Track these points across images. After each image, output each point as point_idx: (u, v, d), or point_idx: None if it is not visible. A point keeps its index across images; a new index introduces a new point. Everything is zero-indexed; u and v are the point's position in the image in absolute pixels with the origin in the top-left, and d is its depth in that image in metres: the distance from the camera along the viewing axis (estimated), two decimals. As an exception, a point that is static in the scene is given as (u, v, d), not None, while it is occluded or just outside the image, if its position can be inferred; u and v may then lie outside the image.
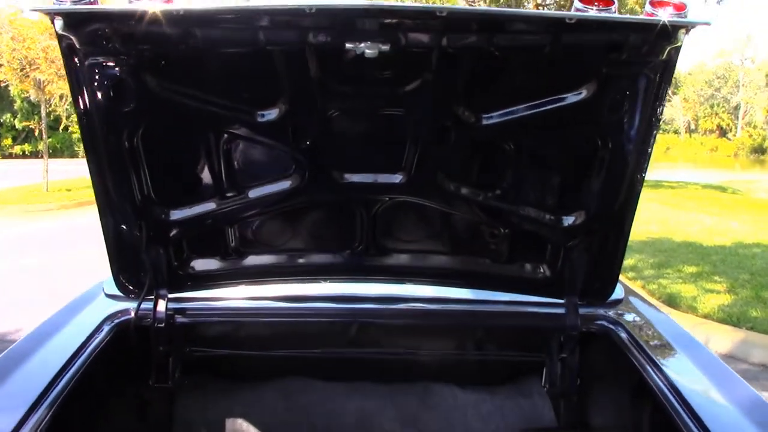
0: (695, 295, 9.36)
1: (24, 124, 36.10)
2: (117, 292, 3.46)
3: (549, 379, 3.60)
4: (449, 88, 2.79)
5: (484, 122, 2.93)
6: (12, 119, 42.25)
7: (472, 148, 3.12)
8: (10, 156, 43.48)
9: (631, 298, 3.81)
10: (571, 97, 2.82)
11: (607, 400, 3.58)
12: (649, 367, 2.99)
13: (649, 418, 3.04)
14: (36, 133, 35.38)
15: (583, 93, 2.80)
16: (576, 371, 3.49)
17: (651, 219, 15.62)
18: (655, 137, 2.91)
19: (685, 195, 24.00)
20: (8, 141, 44.57)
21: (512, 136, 3.03)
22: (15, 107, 40.69)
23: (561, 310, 3.44)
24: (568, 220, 3.24)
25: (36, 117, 32.85)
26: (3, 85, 24.34)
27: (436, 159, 3.09)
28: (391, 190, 3.21)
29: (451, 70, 2.71)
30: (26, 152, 42.98)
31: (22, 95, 33.32)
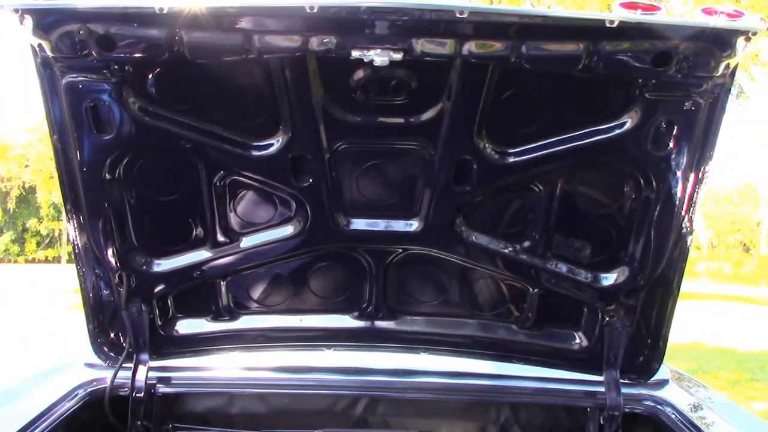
0: (736, 402, 8.72)
1: (48, 225, 36.37)
2: (98, 360, 3.08)
3: None
4: (470, 117, 2.46)
5: (510, 159, 2.58)
6: (38, 224, 42.67)
7: (496, 190, 2.75)
8: (33, 261, 43.63)
9: (679, 379, 3.33)
10: (611, 129, 2.48)
11: None
12: None
13: None
14: (56, 234, 35.57)
15: (625, 123, 2.45)
16: None
17: (680, 325, 14.94)
18: (706, 179, 2.55)
19: (713, 306, 23.26)
20: (32, 246, 44.84)
21: (542, 175, 2.66)
22: (41, 213, 41.15)
23: (600, 388, 2.98)
24: (608, 279, 2.83)
25: (61, 221, 33.14)
26: (28, 186, 24.62)
27: (455, 203, 2.71)
28: (404, 239, 2.83)
29: (473, 92, 2.39)
30: (48, 258, 43.09)
31: (48, 201, 33.78)
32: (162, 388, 3.03)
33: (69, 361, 3.25)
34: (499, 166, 2.59)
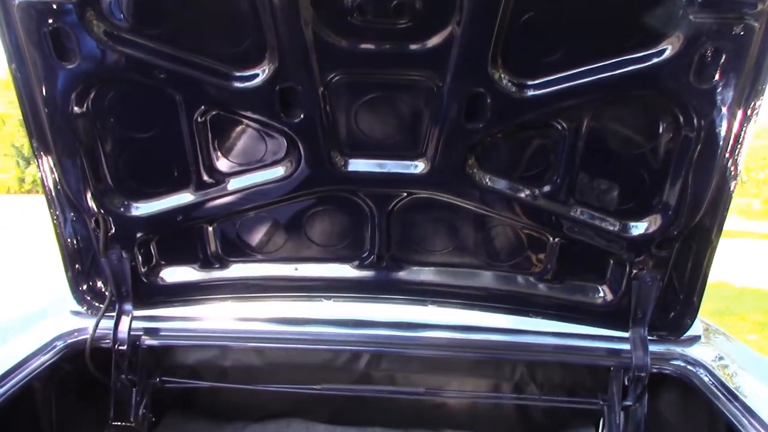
0: (764, 345, 8.51)
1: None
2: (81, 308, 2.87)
3: (608, 430, 2.83)
4: (483, 44, 2.12)
5: (530, 92, 2.25)
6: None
7: (513, 128, 2.41)
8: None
9: (711, 335, 3.04)
10: (648, 57, 2.12)
11: None
12: (745, 421, 2.29)
13: None
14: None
15: (664, 51, 2.10)
16: (644, 423, 2.73)
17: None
18: (755, 116, 2.21)
19: (741, 244, 22.83)
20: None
21: (567, 111, 2.32)
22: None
23: (625, 346, 2.74)
24: (638, 228, 2.52)
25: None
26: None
27: (466, 142, 2.39)
28: (408, 183, 2.53)
29: (487, 14, 2.05)
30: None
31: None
32: (147, 340, 2.82)
33: (53, 308, 3.05)
34: (516, 100, 2.25)
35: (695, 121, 2.22)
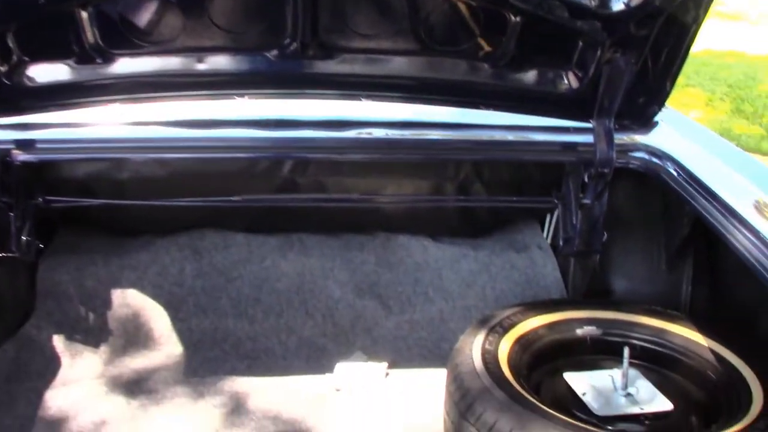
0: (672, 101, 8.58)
1: None
2: None
3: (563, 231, 2.62)
4: None
5: None
6: None
7: None
8: None
9: (665, 117, 2.74)
10: None
11: (638, 259, 2.66)
12: (717, 213, 2.07)
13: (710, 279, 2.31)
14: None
15: None
16: (602, 221, 2.52)
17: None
18: None
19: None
20: None
21: None
22: None
23: (586, 138, 2.43)
24: (618, 2, 2.11)
25: None
26: None
27: None
28: None
29: None
30: None
31: None
32: (20, 155, 2.30)
33: None
34: None
35: None
